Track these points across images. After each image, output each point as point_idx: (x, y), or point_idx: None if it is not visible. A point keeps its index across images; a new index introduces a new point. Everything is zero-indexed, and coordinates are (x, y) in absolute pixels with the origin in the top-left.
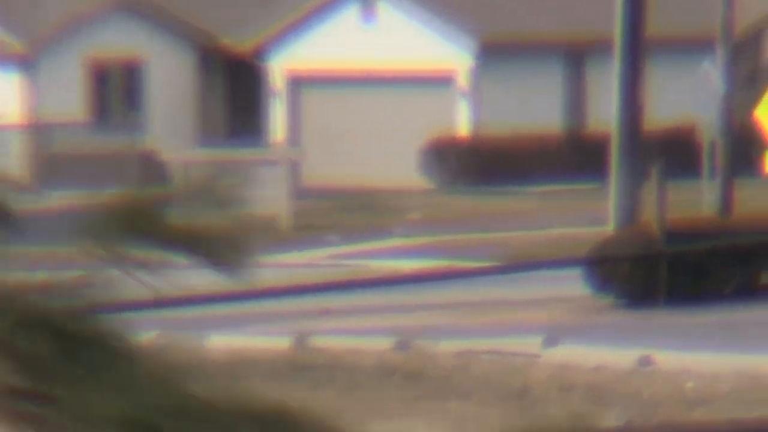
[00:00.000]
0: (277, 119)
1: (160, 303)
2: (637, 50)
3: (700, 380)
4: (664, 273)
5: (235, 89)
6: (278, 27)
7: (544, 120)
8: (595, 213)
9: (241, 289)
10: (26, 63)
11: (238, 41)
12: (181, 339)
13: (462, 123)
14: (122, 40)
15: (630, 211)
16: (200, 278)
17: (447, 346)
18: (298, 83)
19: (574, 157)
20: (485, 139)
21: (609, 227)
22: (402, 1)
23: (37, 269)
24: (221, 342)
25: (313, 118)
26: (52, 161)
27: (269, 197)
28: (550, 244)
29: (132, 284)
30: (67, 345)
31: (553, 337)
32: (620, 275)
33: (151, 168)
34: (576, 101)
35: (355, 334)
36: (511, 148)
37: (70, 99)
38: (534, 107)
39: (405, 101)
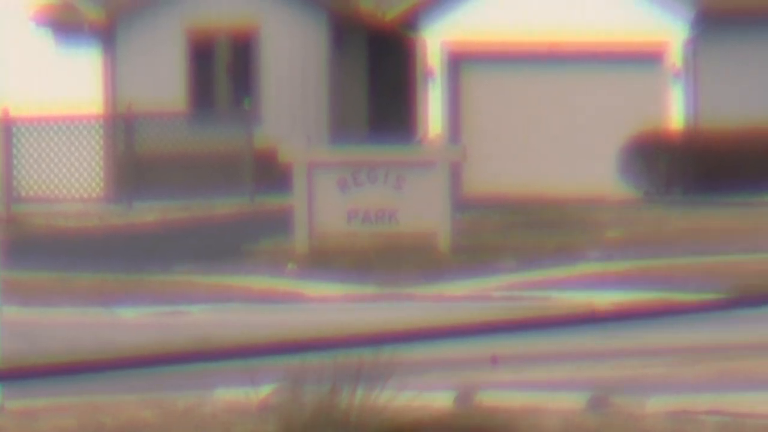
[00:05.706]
0: (433, 108)
1: (280, 347)
2: None
3: None
4: None
5: (377, 69)
6: None
7: None
8: None
9: (388, 329)
10: (106, 35)
11: (381, 6)
12: (312, 393)
13: (675, 113)
14: (231, 5)
15: None
16: (329, 313)
17: (657, 405)
18: (460, 61)
19: None
20: (705, 134)
21: None
22: None
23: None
24: None
25: (478, 106)
26: (139, 163)
27: (423, 209)
28: None
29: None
30: None
31: None
32: None
33: (269, 172)
34: None
35: (536, 389)
36: (740, 146)
37: (162, 82)
38: None
39: (599, 85)
